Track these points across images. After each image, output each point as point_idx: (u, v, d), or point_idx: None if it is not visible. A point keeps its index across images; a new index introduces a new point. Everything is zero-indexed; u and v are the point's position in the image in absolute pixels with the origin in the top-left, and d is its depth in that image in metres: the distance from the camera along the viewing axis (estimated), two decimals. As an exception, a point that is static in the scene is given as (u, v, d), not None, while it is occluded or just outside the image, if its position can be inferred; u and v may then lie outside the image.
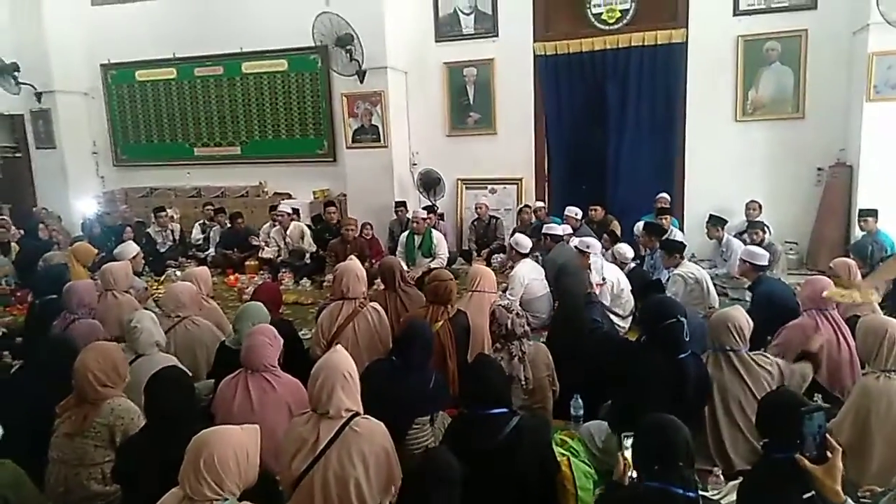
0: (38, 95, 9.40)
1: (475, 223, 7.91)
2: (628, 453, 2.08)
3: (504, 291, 4.97)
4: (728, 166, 7.30)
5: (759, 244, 5.83)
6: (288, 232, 7.53)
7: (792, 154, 7.09)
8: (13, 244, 7.34)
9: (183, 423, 2.34)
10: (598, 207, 7.18)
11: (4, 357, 3.96)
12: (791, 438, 1.95)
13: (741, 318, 3.02)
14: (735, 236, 6.40)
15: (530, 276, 5.10)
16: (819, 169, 7.00)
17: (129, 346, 3.28)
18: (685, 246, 5.36)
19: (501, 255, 7.25)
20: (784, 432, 1.99)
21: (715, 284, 5.85)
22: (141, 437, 2.49)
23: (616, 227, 6.94)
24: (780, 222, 6.90)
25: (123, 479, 2.45)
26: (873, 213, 5.78)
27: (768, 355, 3.08)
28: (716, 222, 6.32)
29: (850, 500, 1.72)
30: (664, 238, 5.67)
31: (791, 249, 6.91)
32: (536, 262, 5.90)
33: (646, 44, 7.38)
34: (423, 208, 7.52)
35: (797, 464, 1.88)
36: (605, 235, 6.42)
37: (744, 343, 3.00)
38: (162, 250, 7.95)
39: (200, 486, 1.84)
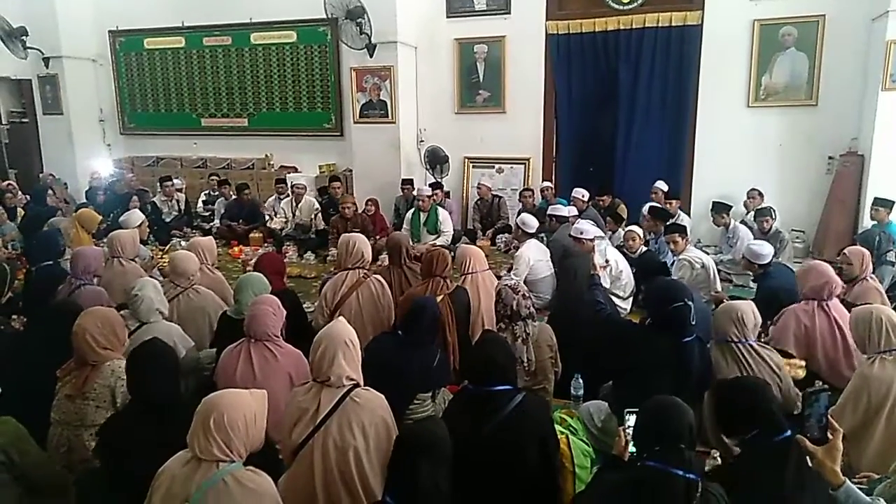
0: (46, 60, 9.34)
1: (478, 203, 7.88)
2: (630, 430, 2.08)
3: (508, 271, 4.97)
4: (738, 152, 7.23)
5: (768, 231, 5.81)
6: (299, 205, 7.52)
7: (803, 142, 7.01)
8: (19, 209, 7.36)
9: (166, 402, 2.32)
10: (606, 197, 7.11)
11: (13, 321, 3.97)
12: (779, 417, 2.00)
13: (748, 310, 3.01)
14: (741, 222, 6.36)
15: (536, 257, 5.08)
16: (830, 157, 6.92)
17: (131, 313, 3.29)
18: (685, 227, 5.33)
19: (506, 234, 7.23)
20: (772, 415, 2.04)
21: (720, 271, 5.85)
22: (124, 415, 2.44)
23: (623, 210, 6.90)
24: (788, 210, 6.85)
25: (105, 456, 2.39)
26: (889, 203, 5.70)
27: (779, 357, 3.06)
28: (720, 209, 6.27)
29: (849, 482, 1.72)
30: (669, 223, 5.64)
31: (798, 238, 6.87)
32: (541, 243, 5.90)
33: (660, 25, 7.27)
34: (430, 185, 7.49)
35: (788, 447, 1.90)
36: (608, 218, 6.39)
37: (745, 335, 2.97)
38: (167, 220, 7.97)
39: (209, 445, 1.87)
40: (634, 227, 5.56)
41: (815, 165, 7.00)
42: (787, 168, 7.10)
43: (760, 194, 6.76)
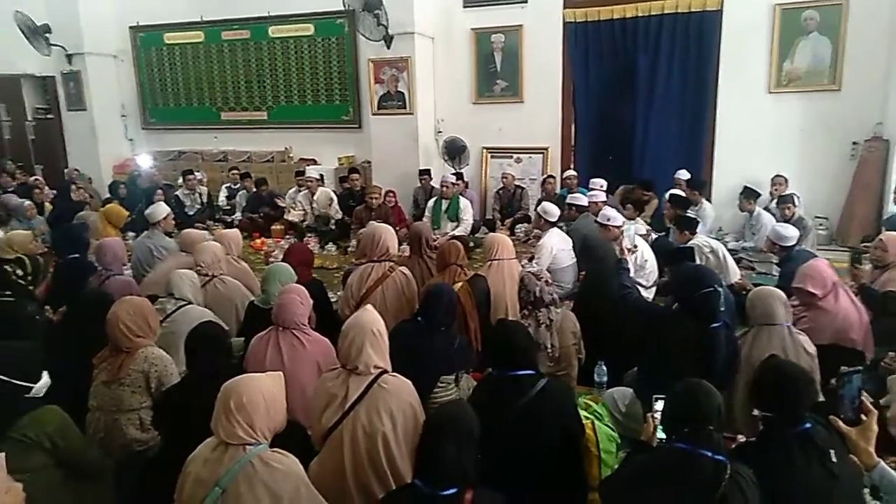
0: (69, 57, 9.49)
1: (500, 192, 7.88)
2: (658, 415, 2.09)
3: (530, 260, 4.98)
4: (760, 139, 7.13)
5: (790, 218, 5.75)
6: (315, 197, 7.59)
7: (826, 127, 6.89)
8: (47, 204, 7.51)
9: (221, 377, 2.40)
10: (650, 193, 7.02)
11: (47, 312, 4.08)
12: (801, 411, 1.99)
13: (785, 296, 3.04)
14: (765, 209, 6.30)
15: (559, 246, 5.07)
16: (854, 143, 6.81)
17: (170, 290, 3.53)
18: (698, 223, 5.29)
19: (525, 224, 7.24)
20: (793, 406, 2.02)
21: (741, 258, 5.81)
22: (179, 388, 2.60)
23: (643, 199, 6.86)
24: (811, 197, 6.77)
25: (163, 428, 2.57)
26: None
27: (808, 339, 3.07)
28: (749, 195, 6.21)
29: (883, 463, 1.72)
30: (685, 213, 5.60)
31: (821, 225, 6.78)
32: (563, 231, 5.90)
33: (679, 11, 7.19)
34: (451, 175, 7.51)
35: (811, 436, 1.90)
36: (628, 205, 6.36)
37: (789, 318, 3.00)
38: (190, 213, 8.08)
39: (233, 427, 1.91)
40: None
41: (838, 151, 6.90)
42: (810, 154, 6.99)
43: (786, 180, 6.68)
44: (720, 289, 2.86)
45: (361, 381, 2.37)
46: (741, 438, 2.75)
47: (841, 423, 1.80)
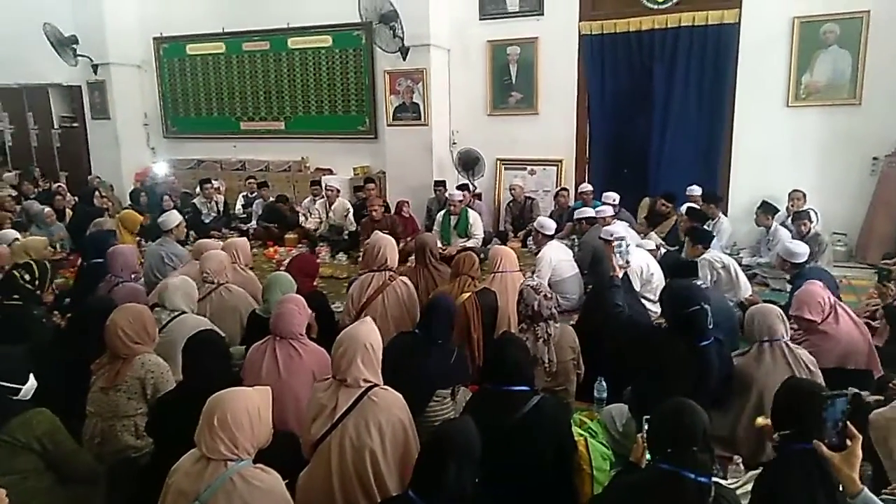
0: (95, 67, 9.72)
1: (510, 204, 7.87)
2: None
3: (532, 273, 4.96)
4: (777, 153, 7.02)
5: (806, 234, 5.65)
6: (333, 207, 7.66)
7: (846, 142, 6.76)
8: (68, 210, 7.68)
9: (216, 386, 2.42)
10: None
11: (55, 317, 4.17)
12: (812, 428, 1.92)
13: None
14: (782, 225, 6.20)
15: (557, 257, 5.06)
16: (874, 158, 6.67)
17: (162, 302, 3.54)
18: (713, 236, 5.21)
19: (538, 236, 7.20)
20: (806, 422, 1.96)
21: (755, 274, 5.72)
22: (175, 395, 2.62)
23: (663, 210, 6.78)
24: (830, 213, 6.62)
25: (156, 435, 2.58)
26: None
27: (809, 355, 3.02)
28: (767, 209, 6.12)
29: (867, 490, 1.67)
30: (701, 226, 5.52)
31: (839, 241, 6.65)
32: (571, 246, 5.87)
33: (696, 24, 7.12)
34: (457, 187, 7.51)
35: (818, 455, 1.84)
36: (643, 219, 6.30)
37: (787, 333, 2.97)
38: (206, 221, 8.19)
39: (216, 443, 1.90)
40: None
41: (858, 166, 6.76)
42: (829, 169, 6.86)
43: (804, 195, 6.56)
44: (707, 306, 2.82)
45: (351, 392, 2.37)
46: (738, 459, 2.70)
47: (824, 449, 1.75)
